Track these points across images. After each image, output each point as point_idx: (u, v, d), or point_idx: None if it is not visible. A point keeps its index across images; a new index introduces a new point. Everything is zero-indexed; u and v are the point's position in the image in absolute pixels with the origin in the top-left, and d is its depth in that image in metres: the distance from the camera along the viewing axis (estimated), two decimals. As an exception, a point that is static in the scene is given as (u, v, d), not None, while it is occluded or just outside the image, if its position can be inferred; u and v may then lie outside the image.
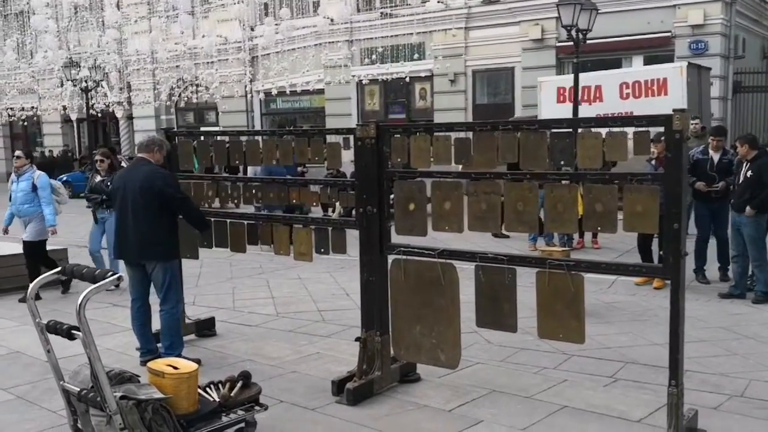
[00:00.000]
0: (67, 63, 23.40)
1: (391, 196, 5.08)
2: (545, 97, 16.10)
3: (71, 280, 7.75)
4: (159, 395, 3.71)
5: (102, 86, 26.95)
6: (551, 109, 15.43)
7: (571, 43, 15.97)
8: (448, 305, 4.77)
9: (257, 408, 4.28)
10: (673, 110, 3.89)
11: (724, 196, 8.41)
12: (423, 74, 22.11)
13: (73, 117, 30.32)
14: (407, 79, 21.88)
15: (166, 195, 5.62)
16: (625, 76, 15.37)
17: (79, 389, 3.68)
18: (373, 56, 22.38)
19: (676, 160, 3.90)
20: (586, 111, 14.45)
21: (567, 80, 16.05)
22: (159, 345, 5.88)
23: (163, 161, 6.01)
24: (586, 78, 15.64)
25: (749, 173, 7.76)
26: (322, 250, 5.60)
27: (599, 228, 4.27)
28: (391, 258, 5.05)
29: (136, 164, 5.95)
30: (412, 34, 21.13)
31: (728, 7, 18.59)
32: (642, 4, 18.63)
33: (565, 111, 14.54)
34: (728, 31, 18.76)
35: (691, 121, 10.70)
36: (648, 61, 19.28)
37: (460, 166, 4.82)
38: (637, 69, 16.84)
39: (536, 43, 20.32)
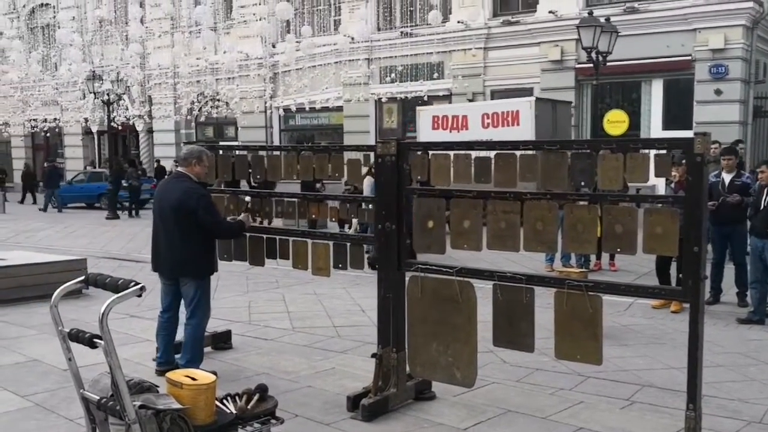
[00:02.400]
0: (90, 76, 23.75)
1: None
2: (422, 124, 17.47)
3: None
4: (177, 406, 3.73)
5: (123, 99, 27.30)
6: (427, 135, 16.82)
7: (591, 65, 16.03)
8: (465, 323, 4.77)
9: (273, 421, 4.28)
10: (695, 134, 3.89)
11: (740, 221, 8.35)
12: (441, 93, 22.20)
13: (94, 129, 30.76)
14: (426, 98, 22.00)
15: (198, 217, 5.54)
16: (485, 108, 16.93)
17: (98, 398, 3.70)
18: (393, 75, 22.55)
19: (696, 183, 3.89)
20: (453, 137, 15.83)
21: (441, 109, 18.14)
22: (177, 356, 5.91)
23: (206, 172, 5.90)
24: (454, 108, 17.98)
25: (771, 198, 7.72)
26: (340, 265, 5.63)
27: (619, 249, 4.27)
28: (408, 275, 5.07)
29: (174, 178, 5.92)
30: (431, 53, 21.30)
31: (749, 31, 18.56)
32: (662, 28, 18.64)
33: (439, 137, 16.02)
34: (749, 55, 18.72)
35: (712, 146, 10.69)
36: (668, 85, 19.32)
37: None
38: (495, 102, 18.67)
39: (555, 65, 20.37)
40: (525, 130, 15.19)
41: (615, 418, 5.03)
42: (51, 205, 24.94)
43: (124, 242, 15.61)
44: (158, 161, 27.26)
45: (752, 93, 19.27)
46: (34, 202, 27.87)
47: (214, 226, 5.71)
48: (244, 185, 9.28)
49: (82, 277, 3.89)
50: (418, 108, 18.88)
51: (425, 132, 17.14)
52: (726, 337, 7.26)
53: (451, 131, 16.31)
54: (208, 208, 5.67)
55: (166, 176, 12.25)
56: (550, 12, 20.12)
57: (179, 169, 5.86)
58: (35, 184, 29.23)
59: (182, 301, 5.86)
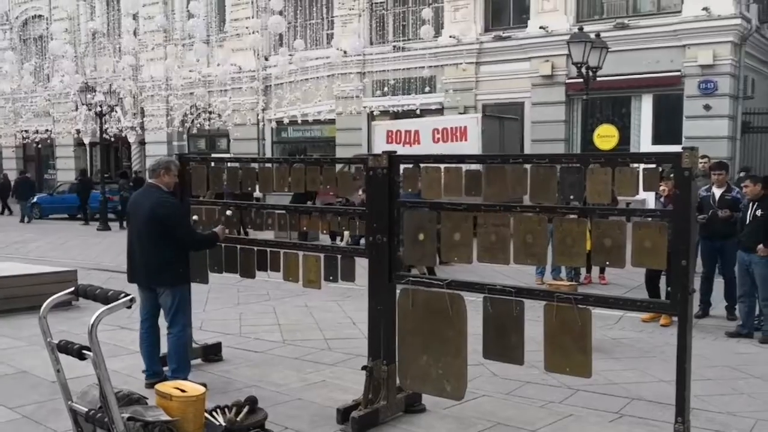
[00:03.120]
0: (83, 87, 23.75)
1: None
2: (377, 138, 18.15)
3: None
4: (166, 417, 3.73)
5: (116, 111, 27.28)
6: (381, 148, 17.06)
7: (581, 80, 16.14)
8: (455, 336, 4.78)
9: (262, 434, 4.29)
10: (683, 148, 3.94)
11: (729, 235, 8.41)
12: (434, 107, 22.30)
13: (86, 141, 30.68)
14: (418, 111, 22.09)
15: (168, 226, 5.63)
16: (436, 123, 17.47)
17: (87, 409, 3.69)
18: (385, 88, 22.64)
19: (684, 197, 3.94)
20: (405, 151, 16.08)
21: (394, 124, 18.75)
22: (165, 368, 5.90)
23: (176, 182, 6.00)
24: (406, 123, 18.45)
25: (758, 212, 7.77)
26: (331, 277, 5.64)
27: (608, 263, 4.30)
28: (399, 287, 5.08)
29: (146, 190, 6.01)
30: (423, 67, 21.39)
31: (737, 48, 18.76)
32: (652, 44, 18.82)
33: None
34: (737, 71, 18.91)
35: (700, 160, 10.77)
36: (657, 100, 19.49)
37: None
38: (444, 117, 19.55)
39: (546, 80, 20.51)
40: (472, 145, 15.84)
41: (604, 431, 5.04)
42: (26, 216, 25.04)
43: (114, 254, 15.55)
44: (136, 172, 27.25)
45: (741, 108, 19.45)
46: (10, 214, 27.85)
47: (184, 236, 5.78)
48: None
49: (72, 289, 3.89)
50: (373, 123, 19.56)
51: (379, 146, 17.58)
52: (715, 351, 7.29)
53: (403, 145, 16.86)
54: (179, 219, 5.77)
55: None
56: (541, 27, 20.28)
57: (149, 180, 5.97)
58: (8, 196, 29.25)
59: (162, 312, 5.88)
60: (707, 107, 18.46)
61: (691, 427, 4.10)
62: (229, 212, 6.36)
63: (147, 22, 26.79)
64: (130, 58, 25.14)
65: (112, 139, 29.02)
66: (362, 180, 5.29)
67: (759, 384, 6.22)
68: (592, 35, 16.01)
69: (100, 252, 15.97)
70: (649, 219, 4.42)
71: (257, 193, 7.83)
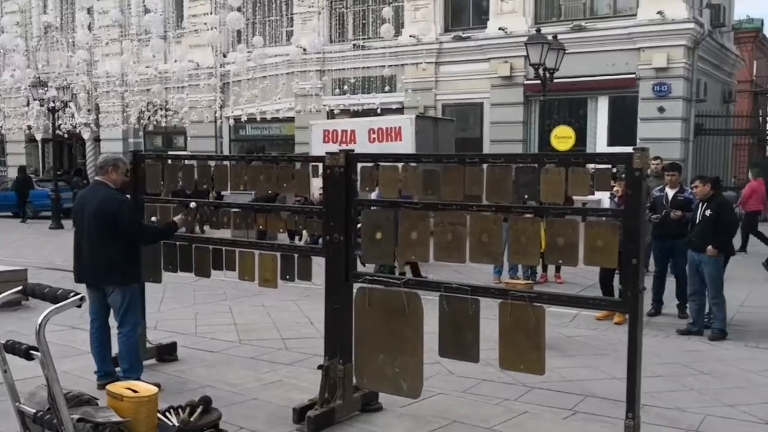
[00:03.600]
0: (35, 82, 23.20)
1: (358, 225, 5.13)
2: (314, 138, 18.27)
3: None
4: (117, 418, 3.67)
5: (69, 107, 26.72)
6: (319, 148, 17.16)
7: (539, 81, 16.34)
8: (412, 335, 4.79)
9: (217, 434, 4.25)
10: (634, 149, 4.01)
11: (681, 235, 8.59)
12: (394, 106, 22.35)
13: (38, 137, 29.98)
14: (378, 111, 22.12)
15: (118, 222, 5.56)
16: (372, 123, 17.71)
17: (35, 411, 3.61)
18: (345, 87, 22.59)
19: (635, 196, 4.01)
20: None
21: (331, 124, 19.08)
22: (118, 369, 5.80)
23: (124, 179, 5.94)
24: (343, 123, 18.79)
25: (707, 212, 7.95)
26: (288, 276, 5.61)
27: (561, 261, 4.36)
28: (356, 286, 5.08)
29: (93, 187, 5.94)
30: (383, 66, 21.41)
31: (691, 51, 19.19)
32: (608, 47, 19.15)
33: (330, 150, 16.31)
34: (690, 75, 19.35)
35: (652, 161, 10.99)
36: (613, 102, 19.83)
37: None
38: (380, 118, 19.66)
39: (505, 80, 20.71)
40: (406, 145, 16.09)
41: (558, 428, 5.12)
42: None
43: (67, 253, 15.23)
44: (78, 169, 26.71)
45: (693, 111, 19.92)
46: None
47: (136, 231, 5.72)
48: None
49: (19, 288, 3.81)
50: (310, 122, 19.59)
51: (317, 145, 17.75)
52: (666, 348, 7.45)
53: (340, 144, 16.98)
54: (129, 214, 5.71)
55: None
56: (500, 29, 20.48)
57: (96, 177, 5.90)
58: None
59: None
60: (661, 109, 18.86)
61: (642, 423, 4.18)
62: (192, 204, 6.27)
63: (102, 17, 26.28)
64: (84, 53, 24.60)
65: (66, 135, 28.41)
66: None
67: (708, 380, 6.37)
68: (550, 37, 16.23)
69: (52, 251, 15.63)
70: (603, 218, 4.49)
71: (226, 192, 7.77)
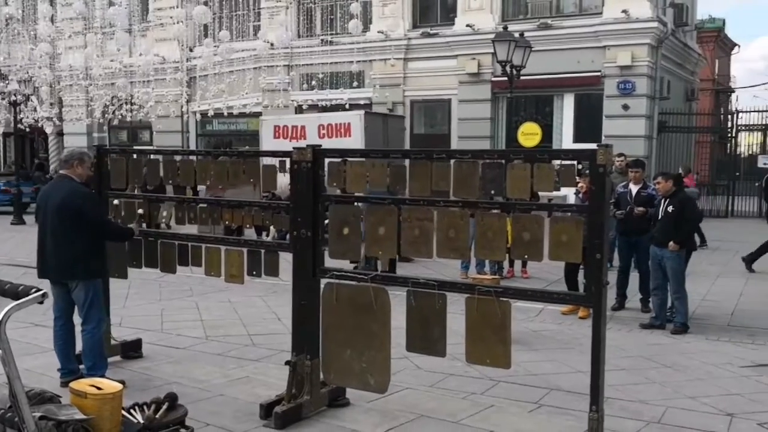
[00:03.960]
0: (-4, 75, 22.74)
1: (326, 221, 5.13)
2: (265, 133, 18.40)
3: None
4: (80, 416, 3.63)
5: (32, 100, 26.22)
6: (270, 143, 17.47)
7: (506, 78, 16.45)
8: (379, 330, 4.81)
9: (183, 431, 4.22)
10: (598, 145, 4.06)
11: (645, 230, 8.72)
12: (362, 102, 22.29)
13: (0, 131, 29.37)
14: (347, 106, 22.06)
15: (84, 216, 5.51)
16: (321, 120, 17.98)
17: (-4, 409, 3.56)
18: (313, 82, 22.50)
19: (599, 192, 4.07)
20: (292, 146, 16.26)
21: (281, 120, 18.96)
22: (81, 366, 5.72)
23: (89, 174, 5.87)
24: (293, 119, 19.14)
25: (670, 208, 8.08)
26: (254, 272, 5.58)
27: (526, 256, 4.41)
28: (323, 282, 5.07)
29: (57, 181, 5.85)
30: (351, 62, 21.36)
31: (654, 50, 19.48)
32: (574, 44, 19.35)
33: (281, 146, 16.71)
34: (654, 73, 19.64)
35: (616, 158, 11.14)
36: (579, 99, 20.05)
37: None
38: (330, 114, 19.58)
39: (472, 77, 20.81)
40: (355, 141, 16.32)
41: (524, 421, 5.17)
42: None
43: (29, 249, 14.98)
44: (40, 163, 26.26)
45: (657, 109, 20.23)
46: None
47: (100, 226, 5.67)
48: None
49: (-21, 284, 3.73)
50: (261, 118, 19.70)
51: (267, 141, 17.89)
52: (629, 342, 7.57)
53: (290, 140, 17.13)
54: (94, 208, 5.67)
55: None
56: (467, 26, 20.56)
57: (61, 171, 5.82)
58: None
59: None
60: (626, 107, 19.11)
61: (606, 416, 4.25)
62: (140, 211, 6.27)
63: (65, 9, 25.81)
64: (46, 45, 24.14)
65: (28, 129, 27.87)
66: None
67: (670, 373, 6.49)
68: (517, 34, 16.34)
69: (14, 247, 15.34)
70: (568, 214, 4.55)
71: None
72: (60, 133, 28.97)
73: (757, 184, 21.35)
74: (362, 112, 17.86)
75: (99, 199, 6.04)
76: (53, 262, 5.59)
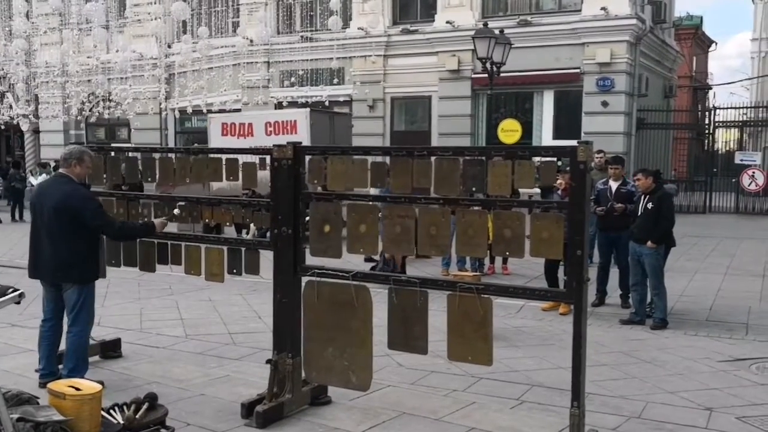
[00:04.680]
0: (-30, 72, 22.40)
1: (307, 218, 5.11)
2: (213, 131, 18.67)
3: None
4: (59, 417, 3.59)
5: (7, 97, 25.88)
6: (218, 141, 17.82)
7: (486, 75, 16.49)
8: (360, 328, 4.80)
9: (163, 431, 4.18)
10: (578, 142, 4.08)
11: (624, 227, 8.78)
12: (342, 99, 22.28)
13: (-25, 128, 28.98)
14: (327, 103, 22.02)
15: (84, 219, 5.35)
16: (268, 117, 18.34)
17: (-29, 411, 3.50)
18: (293, 79, 22.42)
19: (579, 189, 4.08)
20: (240, 143, 17.11)
21: (229, 117, 19.43)
22: (61, 366, 5.64)
23: (88, 173, 5.69)
24: (240, 117, 19.27)
25: (649, 205, 8.14)
26: (235, 270, 5.54)
27: (507, 253, 4.41)
28: (305, 280, 5.05)
29: (55, 180, 5.68)
30: (332, 58, 21.31)
31: (633, 47, 19.62)
32: (553, 41, 19.45)
33: (228, 143, 17.28)
34: (633, 70, 19.78)
35: (596, 155, 11.21)
36: (558, 96, 20.16)
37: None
38: (276, 111, 20.55)
39: (453, 74, 20.85)
40: (302, 138, 16.75)
41: (505, 418, 5.18)
42: None
43: (6, 248, 14.81)
44: (15, 161, 25.84)
45: (636, 105, 20.37)
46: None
47: (107, 228, 5.53)
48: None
49: (-45, 284, 3.68)
50: (209, 116, 19.90)
51: (215, 138, 18.12)
52: (609, 337, 7.62)
53: (238, 137, 17.55)
54: (97, 211, 5.48)
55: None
56: (447, 22, 20.59)
57: (60, 170, 5.66)
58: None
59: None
60: (605, 104, 19.24)
61: (587, 411, 4.27)
62: (176, 211, 6.02)
63: (41, 4, 25.49)
64: (21, 41, 23.83)
65: (3, 127, 27.51)
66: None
67: (649, 368, 6.54)
68: (497, 31, 16.39)
69: (-10, 246, 15.14)
70: (548, 211, 4.56)
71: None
72: (36, 131, 28.64)
73: (734, 180, 21.66)
74: (308, 109, 18.14)
75: (98, 200, 5.80)
76: (49, 264, 5.45)
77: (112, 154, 6.43)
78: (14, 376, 5.72)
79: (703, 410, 5.43)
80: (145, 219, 5.95)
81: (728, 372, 6.44)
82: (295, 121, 17.11)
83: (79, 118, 27.58)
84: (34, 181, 20.34)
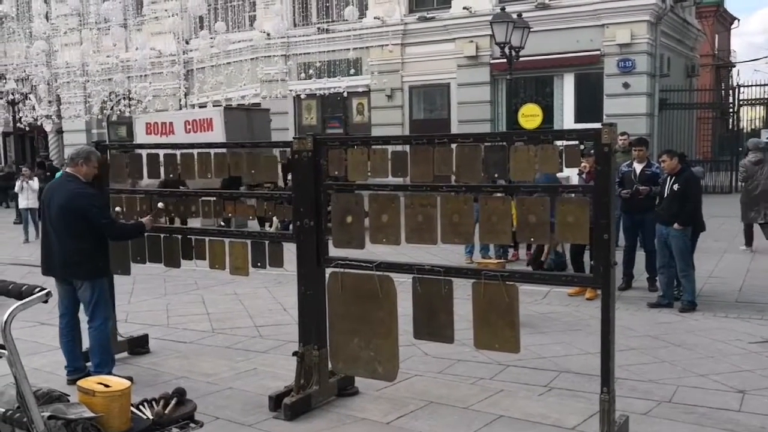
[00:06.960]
0: (-7, 75, 22.65)
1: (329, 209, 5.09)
2: (138, 130, 20.01)
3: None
4: (89, 414, 3.60)
5: (30, 99, 26.15)
6: (143, 139, 19.06)
7: (505, 60, 16.34)
8: (385, 318, 4.78)
9: (192, 425, 4.19)
10: (602, 124, 4.01)
11: (649, 209, 8.67)
12: (360, 89, 22.21)
13: (-1, 131, 29.33)
14: (345, 94, 21.97)
15: (88, 218, 5.45)
16: (186, 116, 19.66)
17: (4, 410, 3.53)
18: (310, 71, 22.38)
19: (604, 172, 4.02)
20: (162, 141, 17.73)
21: (153, 117, 20.74)
22: (88, 364, 5.71)
23: (95, 173, 5.77)
24: (162, 116, 20.57)
25: (675, 186, 8.02)
26: (259, 264, 5.55)
27: (532, 239, 4.37)
28: (328, 271, 5.04)
29: (62, 180, 5.81)
30: (349, 49, 21.24)
31: (653, 27, 19.31)
32: (572, 23, 19.19)
33: (152, 141, 17.99)
34: (654, 50, 19.48)
35: (619, 137, 11.07)
36: (578, 79, 19.92)
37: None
38: (193, 111, 21.90)
39: (471, 60, 20.67)
40: (217, 135, 17.81)
41: (534, 405, 5.15)
42: None
43: (34, 248, 14.98)
44: (40, 161, 26.09)
45: (657, 86, 20.07)
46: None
47: (105, 227, 5.60)
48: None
49: (-19, 284, 3.70)
50: (134, 116, 21.13)
51: (141, 137, 19.47)
52: (637, 321, 7.53)
53: (161, 135, 18.70)
54: (100, 209, 5.58)
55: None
56: (464, 8, 20.40)
57: (66, 169, 5.76)
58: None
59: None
60: (626, 85, 18.99)
61: (616, 396, 4.22)
62: (161, 204, 6.16)
63: (60, 6, 25.69)
64: (42, 43, 24.05)
65: (27, 128, 27.81)
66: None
67: (679, 351, 6.46)
68: (514, 15, 16.21)
69: (17, 246, 15.34)
70: (572, 195, 4.50)
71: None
72: (60, 131, 28.91)
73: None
74: (222, 108, 19.40)
75: (104, 199, 5.93)
76: (58, 261, 5.58)
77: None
78: (44, 374, 5.79)
79: (735, 393, 5.35)
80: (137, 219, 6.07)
81: (760, 353, 6.34)
82: (210, 119, 18.28)
83: (100, 117, 27.80)
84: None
